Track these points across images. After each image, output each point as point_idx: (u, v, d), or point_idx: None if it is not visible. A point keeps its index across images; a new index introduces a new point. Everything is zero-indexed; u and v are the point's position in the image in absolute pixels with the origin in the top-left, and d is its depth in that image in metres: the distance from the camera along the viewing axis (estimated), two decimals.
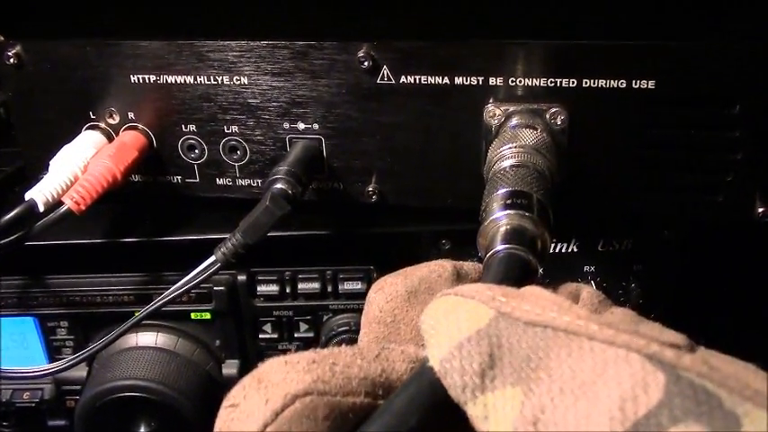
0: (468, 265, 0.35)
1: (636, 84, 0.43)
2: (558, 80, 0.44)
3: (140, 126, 0.51)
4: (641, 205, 0.47)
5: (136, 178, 0.53)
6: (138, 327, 0.51)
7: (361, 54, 0.45)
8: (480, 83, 0.45)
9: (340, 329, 0.53)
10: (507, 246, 0.32)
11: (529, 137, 0.42)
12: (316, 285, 0.53)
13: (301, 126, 0.49)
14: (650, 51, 0.42)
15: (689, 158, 0.45)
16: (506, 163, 0.40)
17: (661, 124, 0.44)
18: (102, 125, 0.51)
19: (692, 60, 0.42)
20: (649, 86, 0.43)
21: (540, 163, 0.40)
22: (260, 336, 0.55)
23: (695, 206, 0.46)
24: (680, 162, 0.45)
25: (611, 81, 0.43)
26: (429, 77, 0.45)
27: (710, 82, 0.42)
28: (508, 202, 0.36)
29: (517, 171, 0.39)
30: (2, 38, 0.50)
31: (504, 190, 0.37)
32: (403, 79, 0.46)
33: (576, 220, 0.49)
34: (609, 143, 0.45)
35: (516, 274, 0.31)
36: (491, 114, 0.45)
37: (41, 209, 0.47)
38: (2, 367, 0.52)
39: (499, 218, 0.35)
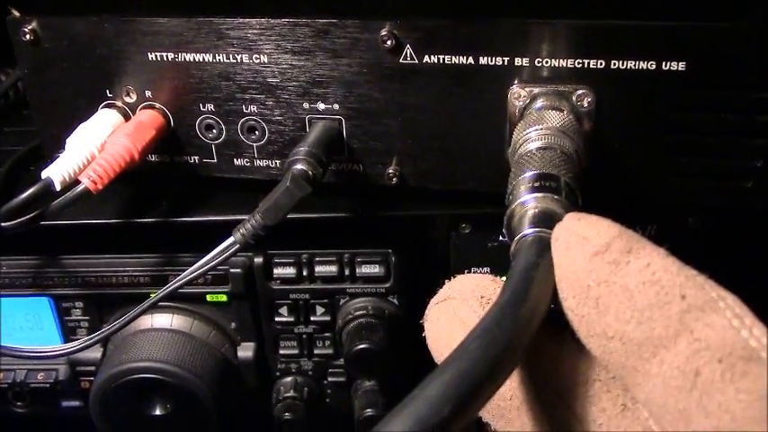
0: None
1: (666, 66, 0.42)
2: (586, 61, 0.43)
3: (158, 105, 0.50)
4: (668, 190, 0.46)
5: (152, 158, 0.52)
6: (153, 308, 0.50)
7: (383, 33, 0.44)
8: (505, 63, 0.44)
9: (357, 313, 0.53)
10: (536, 229, 0.31)
11: (555, 119, 0.41)
12: (333, 269, 0.53)
13: (321, 106, 0.48)
14: (681, 32, 0.41)
15: (718, 143, 0.44)
16: (533, 145, 0.39)
17: (690, 107, 0.43)
18: (119, 103, 0.50)
19: (723, 42, 0.41)
20: (680, 69, 0.41)
21: (567, 146, 0.39)
22: (276, 318, 0.54)
23: (723, 192, 0.45)
24: (708, 146, 0.44)
25: (641, 63, 0.42)
26: (453, 57, 0.44)
27: (742, 64, 0.41)
28: (536, 184, 0.35)
29: (544, 154, 0.38)
30: (18, 14, 0.49)
31: (532, 173, 0.36)
32: (426, 59, 0.45)
33: (600, 204, 0.48)
34: (636, 126, 0.44)
35: (547, 257, 0.30)
36: (516, 96, 0.44)
37: (58, 188, 0.46)
38: (17, 346, 0.51)
39: (527, 201, 0.34)
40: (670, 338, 0.24)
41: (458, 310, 0.31)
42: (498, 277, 0.33)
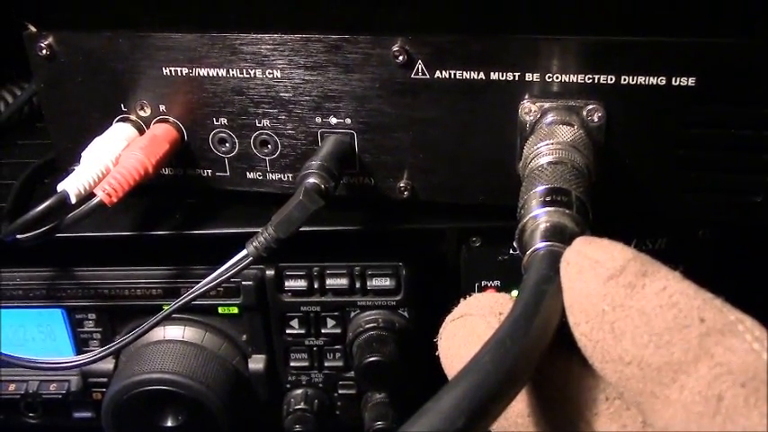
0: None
1: (676, 81, 0.42)
2: (596, 77, 0.43)
3: (171, 119, 0.51)
4: (677, 205, 0.46)
5: (166, 171, 0.52)
6: (165, 320, 0.51)
7: (395, 48, 0.45)
8: (516, 78, 0.44)
9: (367, 326, 0.53)
10: (548, 243, 0.32)
11: (566, 134, 0.42)
12: (344, 281, 0.53)
13: (333, 120, 0.48)
14: (691, 48, 0.41)
15: (727, 158, 0.44)
16: (543, 160, 0.40)
17: (700, 123, 0.43)
18: (134, 117, 0.51)
19: (733, 58, 0.41)
20: (689, 84, 0.42)
21: (577, 160, 0.40)
22: (287, 331, 0.55)
23: (733, 207, 0.45)
24: (718, 162, 0.44)
25: (651, 78, 0.42)
26: (464, 73, 0.45)
27: (752, 80, 0.41)
28: (547, 199, 0.35)
29: (555, 168, 0.39)
30: (34, 29, 0.50)
31: (543, 187, 0.36)
32: (438, 74, 0.45)
33: (610, 218, 0.48)
34: (646, 141, 0.44)
35: (558, 271, 0.30)
36: (526, 111, 0.44)
37: (73, 200, 0.47)
38: (29, 358, 0.52)
39: (538, 215, 0.34)
40: (690, 363, 0.23)
41: (475, 327, 0.31)
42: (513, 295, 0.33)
